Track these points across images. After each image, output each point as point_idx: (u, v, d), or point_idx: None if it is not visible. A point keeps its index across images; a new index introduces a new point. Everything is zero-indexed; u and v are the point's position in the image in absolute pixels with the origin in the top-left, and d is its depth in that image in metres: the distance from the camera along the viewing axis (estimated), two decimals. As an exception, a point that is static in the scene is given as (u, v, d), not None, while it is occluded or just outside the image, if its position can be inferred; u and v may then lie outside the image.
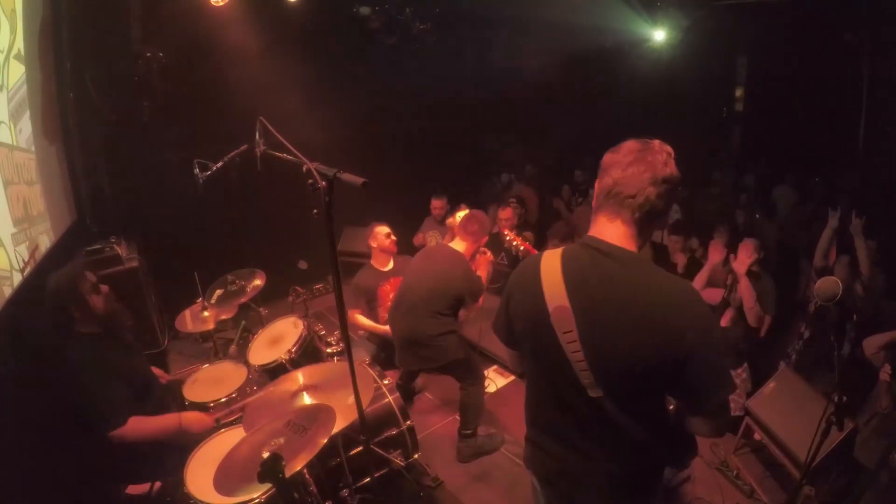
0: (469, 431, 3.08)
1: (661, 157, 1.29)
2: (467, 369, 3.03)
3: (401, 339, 3.04)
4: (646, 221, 1.30)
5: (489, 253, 3.18)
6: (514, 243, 2.94)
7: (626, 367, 1.25)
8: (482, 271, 3.12)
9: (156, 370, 2.70)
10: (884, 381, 2.65)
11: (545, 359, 1.37)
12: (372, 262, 3.93)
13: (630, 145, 1.32)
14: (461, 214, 3.27)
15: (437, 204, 4.94)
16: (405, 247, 4.26)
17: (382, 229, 3.77)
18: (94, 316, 2.20)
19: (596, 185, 1.38)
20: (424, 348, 2.93)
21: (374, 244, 3.85)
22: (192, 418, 2.28)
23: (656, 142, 1.33)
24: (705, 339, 1.22)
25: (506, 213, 4.56)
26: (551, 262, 1.34)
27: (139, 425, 2.13)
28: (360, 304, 3.85)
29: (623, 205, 1.29)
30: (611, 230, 1.32)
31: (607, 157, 1.34)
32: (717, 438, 1.29)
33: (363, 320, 3.81)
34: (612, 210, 1.31)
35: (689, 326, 1.21)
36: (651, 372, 1.24)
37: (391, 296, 3.90)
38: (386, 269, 3.84)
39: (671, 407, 1.45)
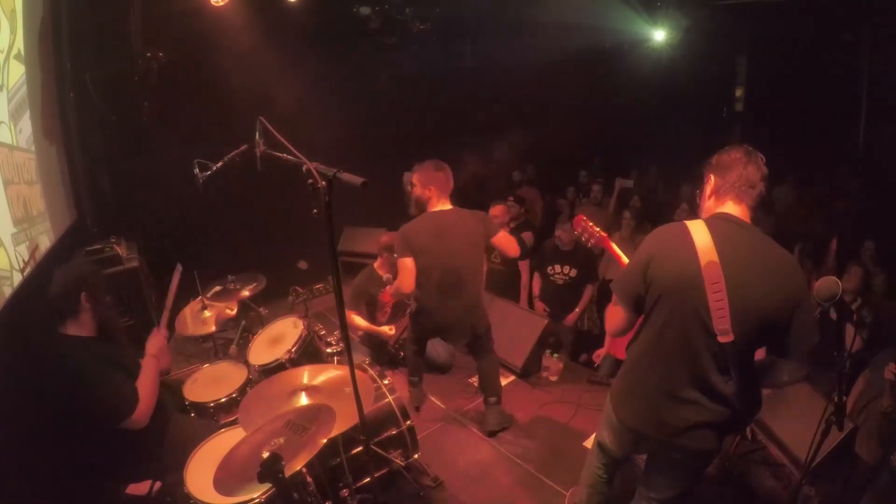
0: (495, 399, 3.23)
1: (761, 159, 1.71)
2: (491, 337, 3.18)
3: (459, 314, 3.00)
4: (757, 205, 1.71)
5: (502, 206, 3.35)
6: (589, 232, 2.34)
7: (760, 312, 1.59)
8: None
9: None
10: (888, 381, 2.64)
11: (685, 310, 1.65)
12: (376, 266, 3.91)
13: (742, 148, 1.73)
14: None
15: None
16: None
17: None
18: (98, 313, 2.17)
19: (713, 177, 1.76)
20: (479, 310, 3.08)
21: (390, 260, 3.80)
22: (152, 344, 2.30)
23: (750, 147, 1.74)
24: (807, 292, 1.64)
25: (496, 210, 4.35)
26: (699, 229, 1.67)
27: (143, 389, 2.13)
28: (359, 307, 3.84)
29: (746, 193, 1.69)
30: (738, 210, 1.70)
31: (726, 158, 1.73)
32: (802, 378, 1.90)
33: (360, 321, 3.81)
34: (738, 196, 1.70)
35: (800, 282, 1.63)
36: (775, 316, 1.59)
37: (392, 301, 3.89)
38: (391, 274, 3.84)
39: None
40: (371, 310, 3.89)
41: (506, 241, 3.00)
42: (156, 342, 2.32)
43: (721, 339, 1.58)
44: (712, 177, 1.75)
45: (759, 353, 1.74)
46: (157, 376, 2.24)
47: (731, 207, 1.70)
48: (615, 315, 1.85)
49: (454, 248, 2.85)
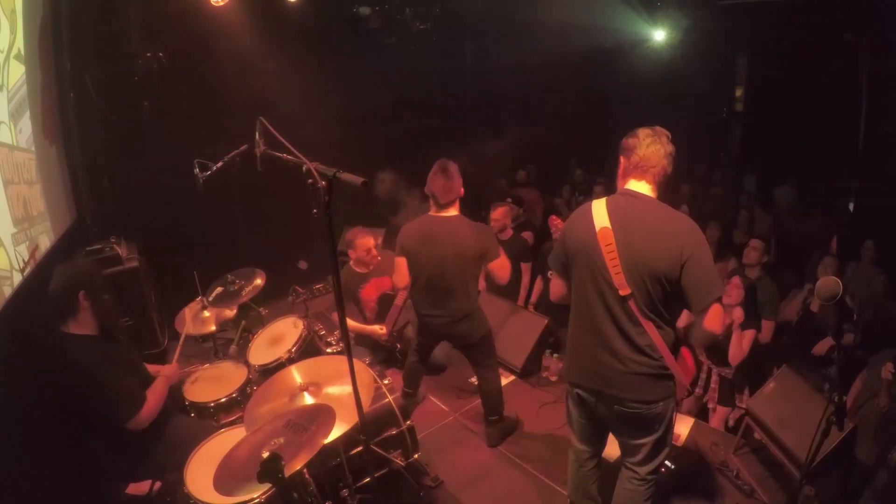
0: (495, 417, 3.13)
1: (665, 138, 1.93)
2: (490, 349, 3.09)
3: (445, 322, 2.95)
4: (661, 181, 1.94)
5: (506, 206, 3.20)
6: (559, 230, 2.53)
7: (649, 268, 1.81)
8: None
9: (153, 367, 2.69)
10: (885, 380, 2.65)
11: (591, 269, 1.92)
12: (352, 263, 3.82)
13: (644, 132, 1.93)
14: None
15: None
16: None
17: (365, 242, 3.61)
18: (97, 312, 2.19)
19: (622, 159, 1.98)
20: (469, 321, 2.94)
21: (352, 255, 3.74)
22: (168, 370, 2.43)
23: (658, 128, 1.95)
24: (699, 250, 1.80)
25: (497, 213, 4.30)
26: (598, 203, 1.96)
27: (152, 397, 2.19)
28: (348, 307, 3.76)
29: (647, 172, 1.92)
30: (639, 186, 1.94)
31: (631, 141, 1.94)
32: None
33: (351, 322, 3.68)
34: (639, 175, 1.93)
35: (689, 240, 1.80)
36: (666, 271, 1.80)
37: (374, 297, 3.80)
38: (365, 272, 3.77)
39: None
40: (359, 308, 3.81)
41: (499, 267, 2.89)
42: (171, 371, 2.43)
43: (621, 293, 1.84)
44: (622, 159, 1.99)
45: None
46: (166, 392, 2.33)
47: (633, 184, 1.95)
48: (553, 283, 2.22)
49: (440, 257, 2.79)
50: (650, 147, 1.90)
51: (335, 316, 3.61)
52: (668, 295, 1.85)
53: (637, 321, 1.86)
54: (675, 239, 1.80)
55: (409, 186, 4.36)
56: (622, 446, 2.14)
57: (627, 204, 1.92)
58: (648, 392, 1.91)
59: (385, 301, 3.80)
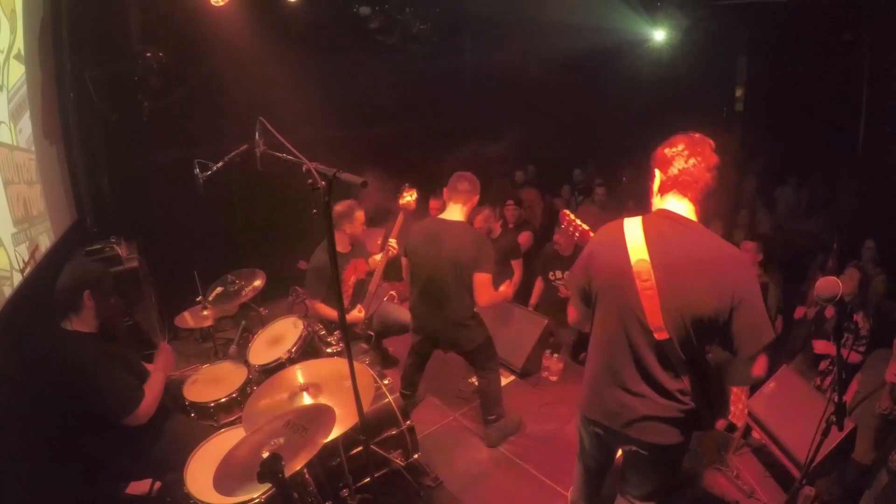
0: (493, 417, 3.16)
1: (709, 148, 1.66)
2: (490, 354, 3.11)
3: (438, 326, 2.99)
4: (704, 199, 1.67)
5: (486, 210, 3.24)
6: (574, 226, 2.30)
7: (694, 310, 1.56)
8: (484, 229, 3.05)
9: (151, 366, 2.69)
10: (889, 383, 2.63)
11: (621, 306, 1.67)
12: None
13: (683, 141, 1.67)
14: (410, 196, 3.32)
15: (435, 205, 4.93)
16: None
17: (362, 215, 3.58)
18: (101, 312, 2.20)
19: (657, 172, 1.72)
20: (463, 329, 2.95)
21: (348, 230, 3.54)
22: (161, 360, 2.39)
23: (698, 135, 1.68)
24: (751, 290, 1.55)
25: (475, 222, 4.13)
26: (633, 227, 1.67)
27: (150, 391, 2.19)
28: (320, 292, 3.50)
29: (689, 188, 1.65)
30: (680, 206, 1.67)
31: (668, 152, 1.68)
32: (758, 381, 1.70)
33: (327, 310, 3.48)
34: (679, 192, 1.67)
35: (741, 279, 1.55)
36: (712, 315, 1.55)
37: (352, 280, 3.66)
38: (346, 251, 3.61)
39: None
40: (330, 294, 3.49)
41: (479, 284, 2.82)
42: (164, 359, 2.40)
43: (657, 336, 1.60)
44: (657, 171, 1.73)
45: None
46: (163, 384, 2.30)
47: (673, 203, 1.68)
48: (571, 309, 1.94)
49: (439, 260, 2.83)
50: (691, 159, 1.63)
51: (312, 302, 3.57)
52: (709, 337, 1.64)
53: (671, 366, 1.63)
54: (724, 277, 1.54)
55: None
56: (627, 478, 1.93)
57: (668, 229, 1.64)
58: (672, 434, 1.70)
59: (358, 286, 3.69)
